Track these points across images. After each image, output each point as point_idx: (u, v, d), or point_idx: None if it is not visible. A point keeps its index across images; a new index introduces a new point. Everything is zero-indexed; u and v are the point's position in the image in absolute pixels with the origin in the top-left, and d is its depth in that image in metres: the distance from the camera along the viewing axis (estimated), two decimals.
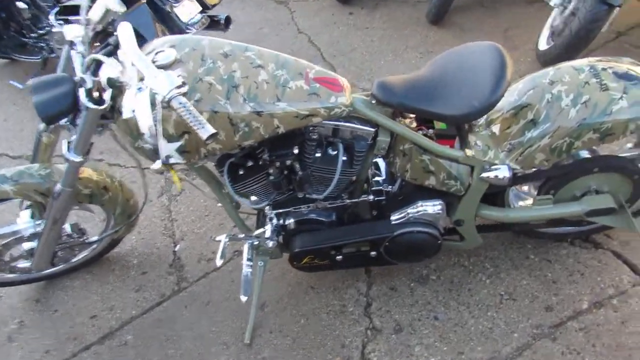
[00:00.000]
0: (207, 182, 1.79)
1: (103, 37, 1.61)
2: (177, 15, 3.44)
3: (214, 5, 3.62)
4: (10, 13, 3.69)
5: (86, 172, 1.98)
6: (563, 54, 2.88)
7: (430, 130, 1.70)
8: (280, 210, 1.84)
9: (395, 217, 1.79)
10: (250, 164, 1.67)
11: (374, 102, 1.61)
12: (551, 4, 3.10)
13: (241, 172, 1.69)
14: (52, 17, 3.67)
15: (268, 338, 1.94)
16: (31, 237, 1.97)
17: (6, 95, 3.87)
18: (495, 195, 1.84)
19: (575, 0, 2.84)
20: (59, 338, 2.11)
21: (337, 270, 2.08)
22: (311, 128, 1.60)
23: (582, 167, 1.74)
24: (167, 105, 1.22)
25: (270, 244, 1.84)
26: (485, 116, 1.72)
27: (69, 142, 1.63)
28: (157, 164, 1.37)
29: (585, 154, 1.80)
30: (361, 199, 1.82)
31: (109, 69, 1.44)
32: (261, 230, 1.91)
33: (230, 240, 1.87)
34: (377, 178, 1.89)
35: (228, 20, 3.60)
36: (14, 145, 3.33)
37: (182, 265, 2.32)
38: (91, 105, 1.47)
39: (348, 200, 1.83)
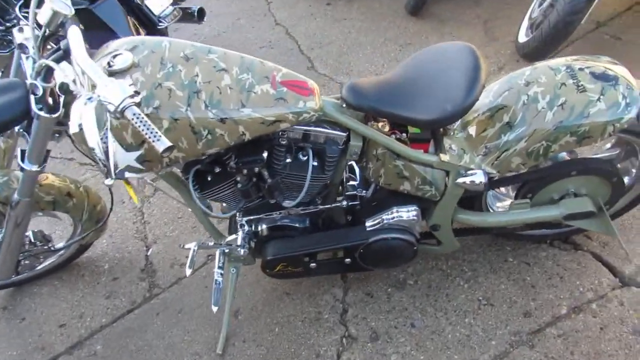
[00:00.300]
0: (175, 188, 1.72)
1: (56, 40, 1.52)
2: (148, 8, 3.33)
3: None
4: None
5: (49, 178, 1.90)
6: (542, 46, 2.84)
7: (404, 134, 1.63)
8: (252, 217, 1.78)
9: (369, 224, 1.73)
10: (217, 170, 1.60)
11: (344, 105, 1.55)
12: None
13: (209, 179, 1.62)
14: (17, 10, 3.56)
15: (241, 348, 1.89)
16: None
17: None
18: (473, 198, 1.80)
19: None
20: (26, 348, 2.04)
21: (312, 277, 2.03)
22: (280, 133, 1.53)
23: (559, 170, 1.69)
24: (120, 116, 1.15)
25: (242, 251, 1.78)
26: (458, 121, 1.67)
27: (22, 151, 1.54)
28: (109, 180, 1.29)
29: (563, 156, 1.75)
30: (334, 205, 1.77)
31: (61, 75, 1.36)
32: (232, 237, 1.85)
33: (199, 248, 1.81)
34: (351, 182, 1.84)
35: (201, 13, 3.49)
36: None
37: (154, 271, 2.25)
38: (42, 114, 1.39)
39: (321, 207, 1.77)
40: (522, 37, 3.06)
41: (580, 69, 1.56)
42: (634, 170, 1.79)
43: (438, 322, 1.84)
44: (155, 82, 1.35)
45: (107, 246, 2.40)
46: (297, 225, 1.82)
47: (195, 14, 3.52)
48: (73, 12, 1.38)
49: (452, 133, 1.66)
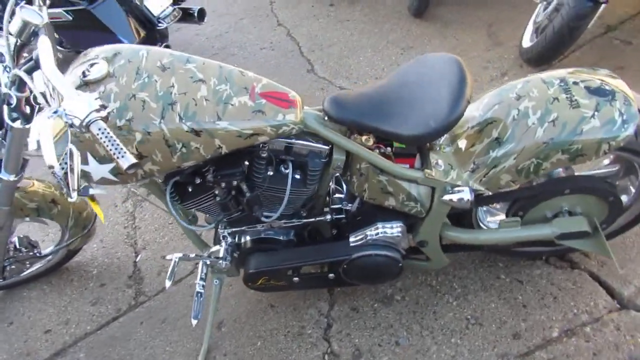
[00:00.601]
0: (159, 197, 1.68)
1: (30, 50, 1.49)
2: (147, 8, 3.31)
3: None
4: None
5: (35, 185, 1.89)
6: (545, 52, 2.75)
7: (389, 149, 1.57)
8: (234, 229, 1.74)
9: (353, 239, 1.68)
10: (198, 181, 1.56)
11: (326, 118, 1.49)
12: None
13: (190, 190, 1.58)
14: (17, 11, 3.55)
15: None
16: None
17: None
18: (462, 213, 1.73)
19: None
20: (11, 353, 2.03)
21: (295, 291, 1.98)
22: (261, 145, 1.49)
23: (551, 188, 1.61)
24: (85, 130, 1.11)
25: (224, 264, 1.74)
26: (446, 134, 1.61)
27: None
28: (74, 196, 1.25)
29: (559, 172, 1.68)
30: (318, 219, 1.72)
31: (31, 86, 1.32)
32: (215, 248, 1.81)
33: (181, 260, 1.77)
34: (337, 195, 1.79)
35: (202, 13, 3.46)
36: None
37: (141, 278, 2.22)
38: (14, 124, 1.37)
39: (304, 220, 1.72)
40: (527, 42, 2.96)
41: (575, 83, 1.49)
42: (632, 189, 1.71)
43: (423, 341, 1.78)
44: (129, 93, 1.31)
45: (97, 250, 2.38)
46: (281, 238, 1.77)
47: (196, 14, 3.49)
48: (45, 21, 1.34)
49: (439, 148, 1.60)
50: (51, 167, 1.09)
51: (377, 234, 1.65)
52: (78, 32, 3.44)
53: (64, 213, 1.94)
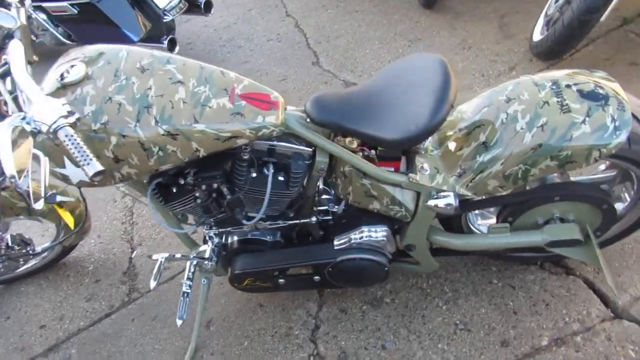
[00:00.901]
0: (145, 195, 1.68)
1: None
2: (153, 1, 3.30)
3: None
4: None
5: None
6: (555, 46, 2.65)
7: (373, 151, 1.53)
8: (220, 230, 1.73)
9: (337, 242, 1.65)
10: (181, 182, 1.54)
11: (308, 120, 1.46)
12: None
13: (174, 190, 1.57)
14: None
15: None
16: None
17: None
18: (451, 217, 1.69)
19: None
20: (7, 348, 2.07)
21: (281, 292, 1.97)
22: (243, 147, 1.46)
23: (540, 194, 1.56)
24: (53, 136, 1.11)
25: (209, 265, 1.73)
26: (434, 135, 1.57)
27: None
28: (40, 204, 1.25)
29: (553, 177, 1.61)
30: (303, 221, 1.70)
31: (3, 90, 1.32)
32: (202, 248, 1.81)
33: (167, 260, 1.77)
34: (325, 196, 1.76)
35: (208, 5, 3.44)
36: None
37: (135, 274, 2.23)
38: None
39: (289, 222, 1.70)
40: (537, 35, 2.86)
41: (568, 86, 1.42)
42: (627, 197, 1.64)
43: (410, 345, 1.75)
44: (105, 96, 1.30)
45: (94, 246, 2.40)
46: (267, 238, 1.75)
47: (202, 6, 3.48)
48: (18, 24, 1.34)
49: (425, 151, 1.55)
50: (12, 177, 1.09)
51: (362, 237, 1.62)
52: (84, 26, 3.46)
53: (55, 212, 1.95)
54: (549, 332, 1.69)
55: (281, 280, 1.74)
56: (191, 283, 1.75)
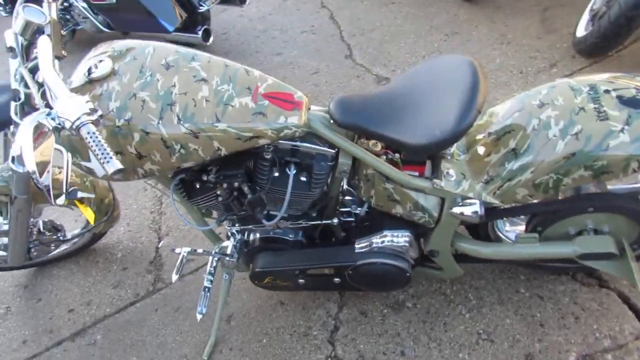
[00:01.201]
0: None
1: None
2: None
3: None
4: None
5: (54, 172, 1.94)
6: (600, 42, 2.53)
7: (397, 155, 1.49)
8: (242, 227, 1.73)
9: (358, 245, 1.63)
10: (204, 178, 1.54)
11: (331, 121, 1.43)
12: None
13: (197, 186, 1.58)
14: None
15: (227, 356, 1.86)
16: (1, 234, 1.97)
17: None
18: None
19: None
20: (37, 329, 2.13)
21: (301, 291, 1.95)
22: (266, 147, 1.45)
23: (573, 205, 1.49)
24: (76, 133, 1.12)
25: (231, 261, 1.74)
26: (462, 139, 1.51)
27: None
28: (61, 199, 1.27)
29: (588, 186, 1.54)
30: (325, 222, 1.67)
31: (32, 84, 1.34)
32: (225, 243, 1.82)
33: (189, 254, 1.78)
34: (348, 198, 1.73)
35: None
36: None
37: (161, 264, 2.26)
38: (20, 122, 1.39)
39: (310, 222, 1.68)
40: (581, 31, 2.73)
41: (606, 92, 1.35)
42: None
43: (430, 353, 1.71)
44: (130, 93, 1.31)
45: (123, 234, 2.45)
46: (289, 237, 1.74)
47: None
48: (48, 19, 1.35)
49: (451, 155, 1.50)
50: (33, 172, 1.11)
51: (383, 242, 1.59)
52: (122, 15, 3.51)
53: (84, 200, 1.99)
54: (578, 347, 1.62)
55: (301, 280, 1.72)
56: (212, 278, 1.76)
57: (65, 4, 3.79)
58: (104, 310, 2.14)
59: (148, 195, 2.61)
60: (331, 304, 1.93)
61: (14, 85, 1.42)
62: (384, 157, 1.48)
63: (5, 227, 1.96)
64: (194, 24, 3.49)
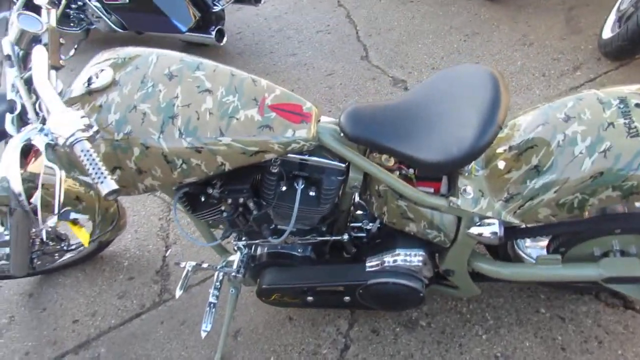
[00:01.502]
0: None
1: None
2: None
3: None
4: None
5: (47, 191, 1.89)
6: (626, 46, 2.41)
7: (411, 170, 1.41)
8: (249, 242, 1.66)
9: (369, 264, 1.55)
10: (209, 191, 1.48)
11: (342, 134, 1.36)
12: None
13: (202, 199, 1.51)
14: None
15: None
16: (3, 244, 1.94)
17: None
18: None
19: None
20: (40, 340, 2.09)
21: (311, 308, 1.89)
22: (273, 160, 1.38)
23: (598, 226, 1.39)
24: (69, 150, 1.06)
25: (237, 277, 1.67)
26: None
27: None
28: (52, 222, 1.21)
29: (616, 206, 1.44)
30: (334, 237, 1.60)
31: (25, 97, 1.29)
32: (231, 258, 1.75)
33: (194, 269, 1.72)
34: (360, 212, 1.65)
35: None
36: None
37: (168, 274, 2.21)
38: (15, 134, 1.34)
39: (319, 238, 1.61)
40: (607, 33, 2.62)
41: (638, 105, 1.25)
42: None
43: None
44: (130, 105, 1.25)
45: (130, 242, 2.40)
46: (297, 253, 1.67)
47: None
48: (44, 28, 1.29)
49: (468, 172, 1.41)
50: (19, 194, 1.05)
51: (396, 261, 1.51)
52: (136, 15, 3.46)
53: (88, 209, 1.93)
54: None
55: (310, 298, 1.65)
56: (218, 293, 1.70)
57: (79, 2, 3.77)
58: (109, 322, 2.09)
59: (157, 201, 2.56)
60: (341, 320, 1.85)
61: (10, 95, 1.36)
62: (397, 172, 1.41)
63: (7, 237, 1.93)
64: (207, 24, 3.43)
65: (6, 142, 1.49)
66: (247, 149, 1.27)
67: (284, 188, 1.45)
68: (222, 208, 1.46)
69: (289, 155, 1.37)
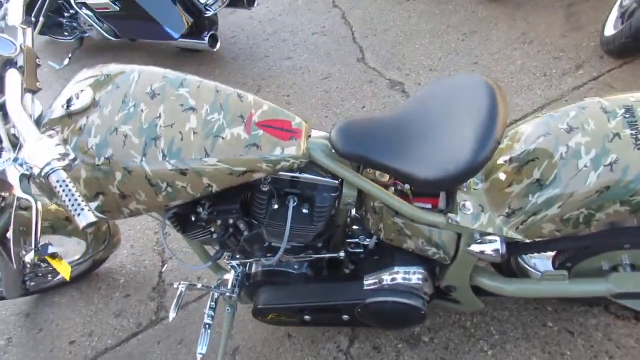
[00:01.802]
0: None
1: None
2: None
3: None
4: None
5: (52, 205, 1.84)
6: (630, 43, 2.33)
7: (407, 186, 1.35)
8: (244, 261, 1.61)
9: (367, 282, 1.49)
10: (199, 211, 1.42)
11: (333, 151, 1.29)
12: None
13: (193, 219, 1.46)
14: (72, 2, 3.55)
15: None
16: None
17: (45, 77, 3.84)
18: None
19: None
20: None
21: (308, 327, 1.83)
22: (263, 179, 1.32)
23: (607, 240, 1.33)
24: (45, 180, 1.00)
25: (232, 297, 1.62)
26: None
27: None
28: (29, 257, 1.16)
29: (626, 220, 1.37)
30: (330, 255, 1.54)
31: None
32: (226, 277, 1.70)
33: (188, 289, 1.67)
34: (356, 227, 1.59)
35: None
36: None
37: (164, 290, 2.16)
38: None
39: (315, 256, 1.55)
40: (609, 30, 2.53)
41: None
42: None
43: None
44: (111, 127, 1.19)
45: (126, 257, 2.35)
46: (292, 271, 1.61)
47: (245, 0, 3.34)
48: (18, 51, 1.24)
49: (467, 187, 1.34)
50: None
51: (394, 279, 1.44)
52: (127, 23, 3.41)
53: (79, 230, 1.89)
54: None
55: (307, 317, 1.60)
56: (213, 314, 1.65)
57: (72, 12, 3.72)
58: (106, 343, 2.04)
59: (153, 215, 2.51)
60: (342, 337, 1.79)
61: None
62: (393, 188, 1.34)
63: None
64: (201, 29, 3.37)
65: None
66: (235, 170, 1.21)
67: (275, 207, 1.39)
68: (212, 229, 1.41)
69: (280, 173, 1.31)
